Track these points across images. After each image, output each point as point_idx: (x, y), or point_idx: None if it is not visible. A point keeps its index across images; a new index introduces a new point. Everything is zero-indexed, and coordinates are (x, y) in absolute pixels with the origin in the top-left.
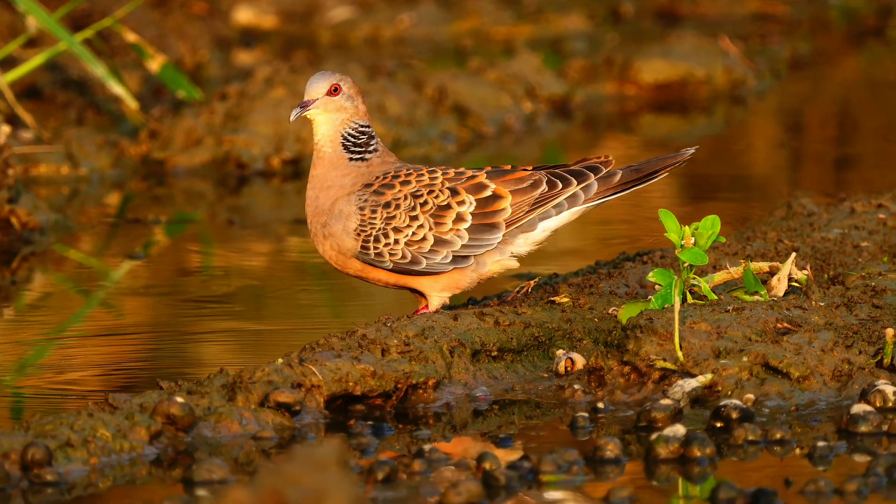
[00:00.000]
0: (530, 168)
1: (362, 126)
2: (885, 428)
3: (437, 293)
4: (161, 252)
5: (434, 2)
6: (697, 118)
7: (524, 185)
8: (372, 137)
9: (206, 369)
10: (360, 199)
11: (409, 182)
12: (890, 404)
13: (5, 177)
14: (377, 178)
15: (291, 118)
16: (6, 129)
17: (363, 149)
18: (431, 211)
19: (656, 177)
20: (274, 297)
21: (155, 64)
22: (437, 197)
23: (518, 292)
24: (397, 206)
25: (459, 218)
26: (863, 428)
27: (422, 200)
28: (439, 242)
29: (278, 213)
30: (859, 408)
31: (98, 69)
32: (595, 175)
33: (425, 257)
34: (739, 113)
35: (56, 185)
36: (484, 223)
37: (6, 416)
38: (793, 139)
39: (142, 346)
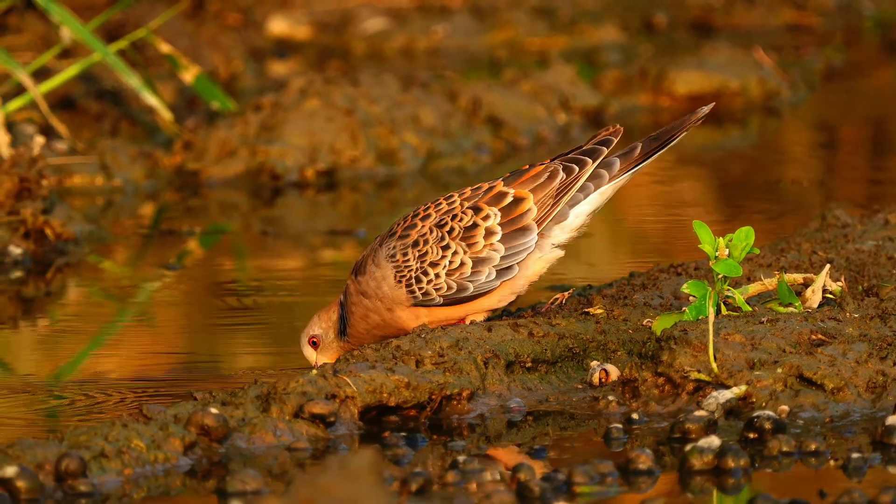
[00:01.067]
0: (547, 161)
1: (335, 326)
2: None
3: (490, 311)
4: (195, 263)
5: (468, 13)
6: (731, 129)
7: (542, 179)
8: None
9: (240, 380)
10: (388, 249)
11: (429, 216)
12: None
13: (39, 188)
14: (396, 225)
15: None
16: (40, 139)
17: (343, 326)
18: (460, 235)
19: (675, 139)
20: (308, 308)
21: (189, 75)
22: (460, 220)
23: (552, 304)
24: (426, 242)
25: (489, 232)
26: None
27: (447, 228)
28: (478, 262)
29: (312, 224)
30: (895, 419)
31: (132, 80)
32: (608, 148)
33: (470, 281)
34: (773, 124)
35: (90, 196)
36: (515, 229)
37: (41, 426)
38: (827, 151)
39: (176, 357)
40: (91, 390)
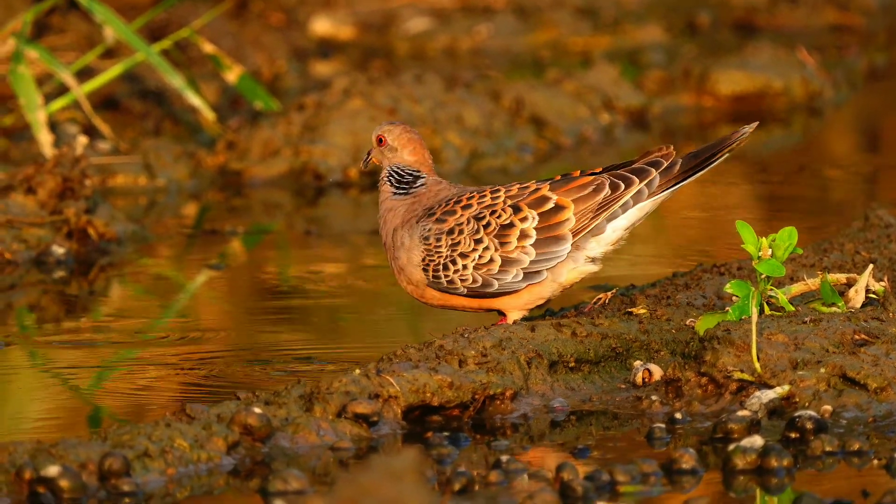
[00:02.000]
0: (599, 170)
1: (407, 169)
2: None
3: (518, 310)
4: (238, 263)
5: (511, 13)
6: (775, 130)
7: (587, 191)
8: (417, 178)
9: (283, 380)
10: (423, 230)
11: (470, 206)
12: None
13: (83, 187)
14: (438, 205)
15: (362, 167)
16: (84, 139)
17: (405, 187)
18: (495, 232)
19: (715, 160)
20: (351, 308)
21: (232, 75)
22: (498, 217)
23: (595, 303)
24: (461, 232)
25: (524, 235)
26: None
27: (484, 222)
28: (507, 262)
29: (355, 224)
30: None
31: (175, 80)
32: (657, 169)
33: (496, 279)
34: (817, 124)
35: (133, 195)
36: (549, 236)
37: (84, 425)
38: (869, 151)
39: (219, 357)
40: (134, 389)
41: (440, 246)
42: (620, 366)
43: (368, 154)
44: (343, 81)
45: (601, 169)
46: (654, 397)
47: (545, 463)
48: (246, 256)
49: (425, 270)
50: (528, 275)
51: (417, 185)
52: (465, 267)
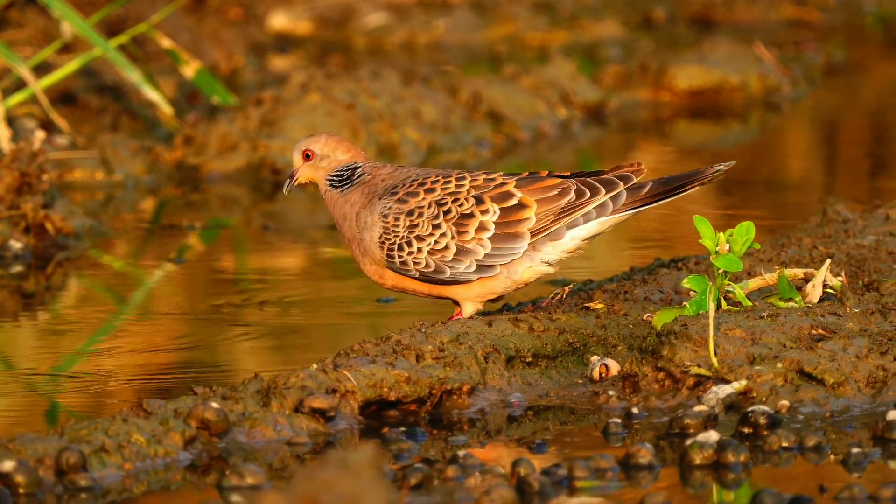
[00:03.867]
0: (567, 174)
1: (343, 168)
2: None
3: (471, 301)
4: (196, 258)
5: (469, 8)
6: (732, 125)
7: (551, 193)
8: (355, 169)
9: (240, 375)
10: (384, 207)
11: (433, 190)
12: None
13: (40, 182)
14: (402, 185)
15: (284, 191)
16: (41, 134)
17: (349, 181)
18: (454, 220)
19: (684, 190)
20: (308, 303)
21: (190, 69)
22: (460, 205)
23: (553, 298)
24: (420, 215)
25: (482, 227)
26: None
27: (445, 209)
28: (461, 252)
29: (313, 219)
30: (895, 414)
31: (133, 75)
32: (626, 184)
33: (448, 266)
34: (774, 120)
35: (91, 190)
36: (507, 232)
37: (41, 421)
38: (827, 146)
39: (176, 352)
40: (91, 385)
41: (398, 225)
42: (577, 361)
43: (292, 178)
44: (300, 76)
45: (569, 173)
46: (611, 392)
47: (502, 458)
48: (203, 251)
49: (381, 247)
50: (482, 267)
51: (357, 174)
52: (419, 250)
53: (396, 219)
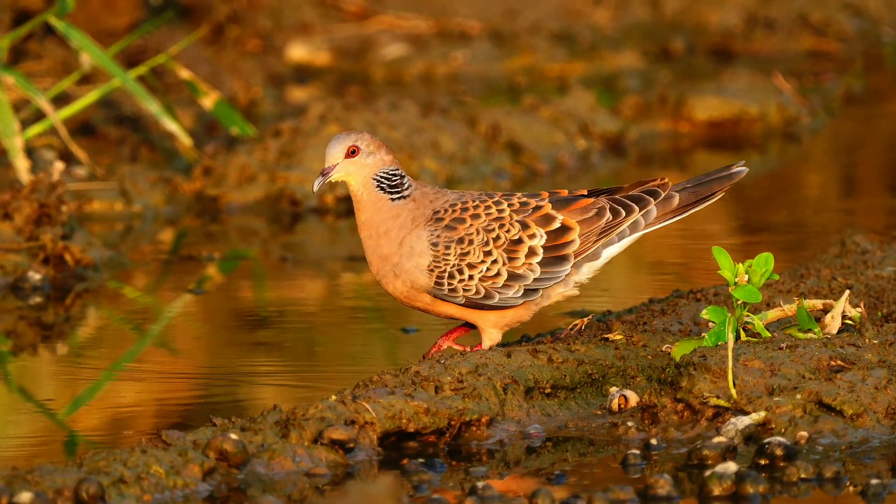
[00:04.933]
0: (585, 192)
1: (391, 171)
2: None
3: (497, 328)
4: (215, 289)
5: (488, 39)
6: (751, 155)
7: (590, 214)
8: (403, 177)
9: (259, 406)
10: (432, 235)
11: (478, 216)
12: None
13: (59, 213)
14: (444, 210)
15: (315, 188)
16: (60, 165)
17: (399, 189)
18: (504, 246)
19: (713, 198)
20: (327, 334)
21: (208, 101)
22: (508, 231)
23: (572, 329)
24: (470, 242)
25: (532, 252)
26: None
27: (494, 235)
28: (513, 277)
29: (332, 250)
30: None
31: (152, 106)
32: (654, 199)
33: (498, 292)
34: (793, 150)
35: (110, 221)
36: (555, 256)
37: (60, 452)
38: (846, 177)
39: (195, 383)
40: (110, 416)
41: (448, 254)
42: (596, 392)
43: (325, 175)
44: (319, 107)
45: (586, 192)
46: (629, 423)
47: (521, 489)
48: (222, 282)
49: (429, 275)
50: (528, 292)
51: (406, 185)
52: (471, 277)
53: (447, 247)
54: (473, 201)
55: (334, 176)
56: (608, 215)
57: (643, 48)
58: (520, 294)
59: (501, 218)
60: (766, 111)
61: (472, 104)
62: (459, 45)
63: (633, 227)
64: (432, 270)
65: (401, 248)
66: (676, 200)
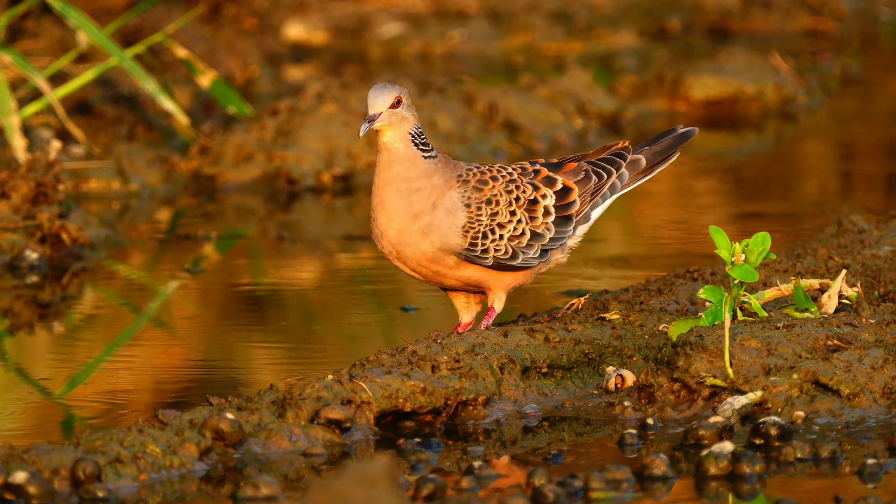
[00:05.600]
0: (556, 161)
1: (420, 130)
2: None
3: (504, 290)
4: (211, 268)
5: (485, 18)
6: (748, 135)
7: (580, 177)
8: (426, 140)
9: (256, 385)
10: (463, 196)
11: (497, 178)
12: None
13: (56, 192)
14: (469, 172)
15: (361, 133)
16: (57, 144)
17: (431, 148)
18: (525, 206)
19: (673, 157)
20: (324, 314)
21: (205, 79)
22: (524, 192)
23: (568, 309)
24: (497, 203)
25: (547, 211)
26: None
27: (514, 196)
28: (534, 236)
29: (328, 229)
30: None
31: (149, 85)
32: (624, 162)
33: (522, 252)
34: (790, 130)
35: (107, 200)
36: (563, 216)
37: (56, 431)
38: (843, 156)
39: (192, 362)
40: (107, 395)
41: (481, 214)
42: (593, 371)
43: (371, 121)
44: (316, 86)
45: (557, 160)
46: (626, 403)
47: (518, 469)
48: (219, 261)
49: (464, 236)
50: (543, 252)
51: (431, 147)
52: (501, 237)
53: (479, 208)
54: (486, 166)
55: (378, 124)
56: (594, 178)
57: (640, 27)
58: (538, 254)
59: (514, 180)
60: (763, 90)
61: (470, 83)
62: (456, 24)
63: (612, 189)
64: (467, 232)
65: (434, 209)
66: (643, 162)
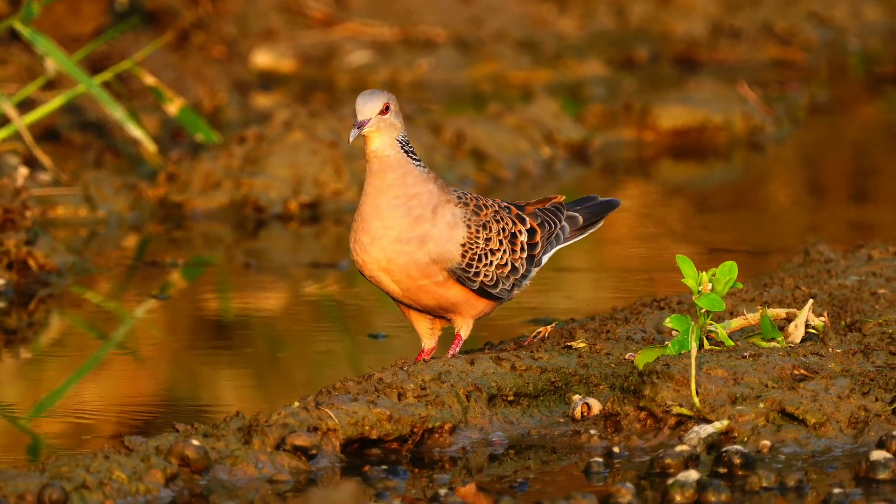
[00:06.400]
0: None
1: (406, 138)
2: None
3: (472, 319)
4: (179, 295)
5: (452, 47)
6: (716, 164)
7: (538, 220)
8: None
9: (222, 412)
10: (465, 216)
11: (487, 207)
12: None
13: (23, 219)
14: (466, 196)
15: (350, 139)
16: (24, 171)
17: (418, 157)
18: (508, 238)
19: (600, 223)
20: (291, 341)
21: (173, 107)
22: (507, 224)
23: (535, 337)
24: (490, 230)
25: (522, 247)
26: (882, 475)
27: (501, 226)
28: (513, 269)
29: (296, 257)
30: (879, 454)
31: (116, 112)
32: (563, 216)
33: (502, 282)
34: (757, 159)
35: (74, 227)
36: (531, 254)
37: (22, 457)
38: (810, 186)
39: (158, 389)
40: (73, 421)
41: (478, 237)
42: (559, 400)
43: (360, 127)
44: (284, 114)
45: (514, 203)
46: (592, 431)
47: (483, 497)
48: (186, 289)
49: (463, 255)
50: (514, 285)
51: (418, 156)
52: (490, 263)
53: (477, 231)
54: (472, 194)
55: (367, 129)
56: (547, 225)
57: (608, 56)
58: (510, 287)
59: (499, 212)
60: (731, 120)
61: (437, 111)
62: (424, 53)
63: (556, 240)
64: (466, 251)
65: (434, 216)
66: (581, 220)
